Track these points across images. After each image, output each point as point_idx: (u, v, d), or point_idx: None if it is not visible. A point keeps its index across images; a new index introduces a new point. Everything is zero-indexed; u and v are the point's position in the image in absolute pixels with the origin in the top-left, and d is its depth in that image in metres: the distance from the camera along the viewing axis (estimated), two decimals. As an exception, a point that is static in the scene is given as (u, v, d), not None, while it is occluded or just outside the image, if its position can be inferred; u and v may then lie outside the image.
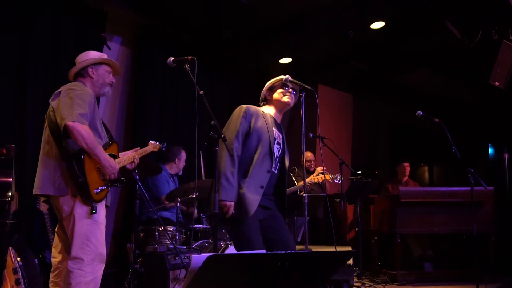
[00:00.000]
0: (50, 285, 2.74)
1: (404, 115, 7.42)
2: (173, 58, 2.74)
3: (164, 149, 3.62)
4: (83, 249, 2.58)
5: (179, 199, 4.09)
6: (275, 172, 2.87)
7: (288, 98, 2.97)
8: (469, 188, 3.90)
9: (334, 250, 3.47)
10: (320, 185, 5.50)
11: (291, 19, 5.38)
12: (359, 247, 5.21)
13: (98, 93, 2.90)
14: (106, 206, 2.81)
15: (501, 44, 5.00)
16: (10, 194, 3.29)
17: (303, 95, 3.02)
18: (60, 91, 2.67)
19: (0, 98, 4.06)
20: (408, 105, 7.04)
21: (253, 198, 2.69)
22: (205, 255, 1.45)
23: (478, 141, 8.30)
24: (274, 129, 2.89)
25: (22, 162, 3.93)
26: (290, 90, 2.98)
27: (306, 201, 2.92)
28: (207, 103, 2.60)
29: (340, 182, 5.01)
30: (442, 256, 5.72)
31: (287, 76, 3.06)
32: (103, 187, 2.66)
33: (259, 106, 3.04)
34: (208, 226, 4.39)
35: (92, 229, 2.62)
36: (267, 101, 3.03)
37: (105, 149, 2.70)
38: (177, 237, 3.98)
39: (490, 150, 8.70)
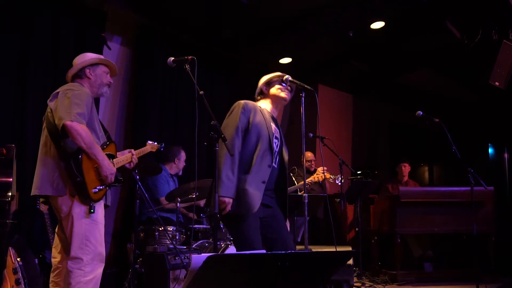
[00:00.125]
0: (50, 285, 2.75)
1: (404, 115, 7.42)
2: (173, 58, 2.74)
3: (162, 149, 3.61)
4: (82, 249, 2.59)
5: (179, 199, 4.09)
6: (275, 166, 2.88)
7: (285, 94, 2.99)
8: (469, 188, 3.90)
9: (334, 250, 3.47)
10: (320, 185, 5.51)
11: (291, 19, 5.38)
12: (359, 247, 5.21)
13: (96, 93, 2.90)
14: (107, 206, 2.82)
15: (501, 44, 5.00)
16: (10, 194, 3.29)
17: (303, 95, 3.02)
18: (58, 92, 2.68)
19: (0, 98, 4.07)
20: (408, 105, 7.04)
21: (256, 194, 2.70)
22: (205, 255, 1.45)
23: (478, 141, 8.30)
24: (272, 124, 2.90)
25: (22, 162, 3.94)
26: (288, 87, 3.00)
27: (306, 201, 2.92)
28: (207, 103, 2.60)
29: (341, 183, 5.02)
30: (442, 256, 5.72)
31: (287, 76, 3.06)
32: (101, 187, 2.67)
33: (255, 100, 3.05)
34: (208, 226, 4.40)
35: (90, 229, 2.63)
36: (264, 95, 3.04)
37: (102, 149, 2.71)
38: (177, 237, 3.98)
39: (490, 150, 8.70)
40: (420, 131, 8.08)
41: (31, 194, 2.67)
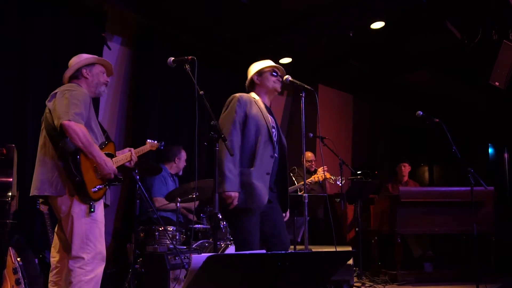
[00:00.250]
0: (49, 284, 2.75)
1: (404, 115, 7.43)
2: (173, 58, 2.75)
3: (162, 147, 3.61)
4: (83, 248, 2.60)
5: (179, 199, 4.09)
6: (276, 156, 2.89)
7: (278, 85, 3.03)
8: (469, 188, 3.90)
9: (334, 250, 3.47)
10: (321, 185, 5.50)
11: (291, 19, 5.38)
12: (359, 247, 5.21)
13: (94, 93, 2.91)
14: (107, 205, 2.82)
15: (501, 44, 5.00)
16: (10, 194, 3.29)
17: (303, 95, 3.03)
18: (56, 92, 2.69)
19: (0, 98, 4.06)
20: (408, 105, 7.04)
21: (263, 187, 2.72)
22: (205, 255, 1.45)
23: (478, 141, 8.30)
24: (268, 114, 2.92)
25: (22, 162, 3.93)
26: (280, 78, 3.02)
27: (306, 201, 2.92)
28: (207, 103, 2.60)
29: (341, 184, 5.02)
30: (442, 256, 5.72)
31: (287, 76, 3.07)
32: (101, 186, 2.67)
33: (247, 90, 3.07)
34: (208, 226, 4.40)
35: (91, 228, 2.63)
36: (255, 85, 3.05)
37: (101, 149, 2.72)
38: (177, 237, 3.98)
39: (490, 150, 8.70)
40: (420, 131, 8.08)
41: (30, 195, 2.68)
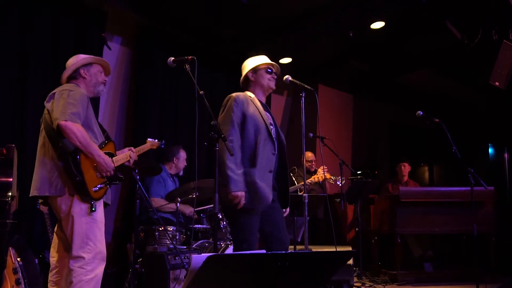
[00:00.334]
0: (48, 284, 2.76)
1: (404, 115, 7.42)
2: (173, 58, 2.75)
3: (163, 146, 3.62)
4: (83, 247, 2.60)
5: (179, 199, 4.09)
6: (276, 153, 2.91)
7: (273, 83, 3.03)
8: (469, 188, 3.90)
9: (334, 250, 3.47)
10: (320, 185, 5.50)
11: (291, 19, 5.38)
12: (359, 247, 5.21)
13: (92, 92, 2.91)
14: (107, 204, 2.83)
15: (501, 44, 5.00)
16: (10, 194, 3.29)
17: (303, 95, 3.03)
18: (54, 93, 2.70)
19: (0, 98, 4.06)
20: (408, 105, 7.04)
21: (266, 186, 2.73)
22: (205, 255, 1.45)
23: (478, 141, 8.30)
24: (265, 112, 2.93)
25: (22, 162, 3.93)
26: (275, 75, 3.02)
27: (306, 201, 2.93)
28: (207, 103, 2.60)
29: (341, 184, 5.02)
30: (442, 256, 5.72)
31: (287, 76, 3.07)
32: (102, 185, 2.68)
33: (241, 86, 3.07)
34: (208, 226, 4.39)
35: (91, 227, 2.64)
36: (250, 82, 3.04)
37: (101, 148, 2.73)
38: (177, 237, 3.98)
39: (490, 150, 8.70)
40: (420, 131, 8.08)
41: (30, 195, 2.68)
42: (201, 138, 5.31)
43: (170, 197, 4.21)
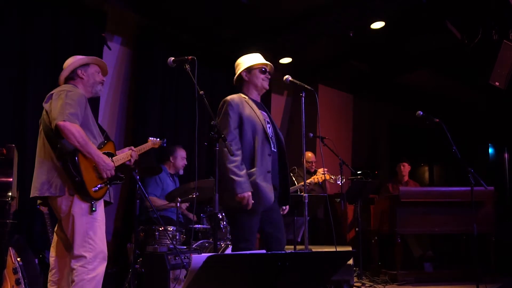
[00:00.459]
0: (48, 284, 2.76)
1: (404, 115, 7.42)
2: (173, 58, 2.75)
3: (165, 145, 3.62)
4: (84, 246, 2.61)
5: (179, 199, 4.09)
6: (275, 151, 2.92)
7: (266, 83, 3.02)
8: (469, 188, 3.90)
9: (334, 250, 3.47)
10: (320, 185, 5.50)
11: (291, 19, 5.38)
12: (359, 247, 5.21)
13: (91, 92, 2.92)
14: (110, 203, 2.84)
15: (501, 44, 5.00)
16: (10, 194, 3.29)
17: (303, 95, 3.03)
18: (52, 94, 2.71)
19: (0, 98, 4.06)
20: (408, 105, 7.04)
21: (267, 186, 2.75)
22: (205, 255, 1.45)
23: (478, 141, 8.30)
24: (260, 111, 2.94)
25: (22, 162, 3.93)
26: (268, 75, 3.02)
27: (306, 201, 2.93)
28: (207, 103, 2.60)
29: (341, 183, 5.02)
30: (442, 256, 5.72)
31: (287, 76, 3.07)
32: (102, 185, 2.68)
33: (234, 85, 3.07)
34: (208, 226, 4.39)
35: (92, 227, 2.64)
36: (244, 82, 3.03)
37: (100, 148, 2.73)
38: (177, 237, 3.98)
39: (490, 150, 8.70)
40: (420, 131, 8.08)
41: (31, 196, 2.69)
42: (201, 138, 5.32)
43: (170, 197, 4.22)
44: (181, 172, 4.85)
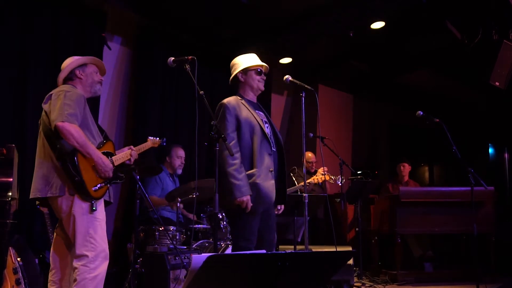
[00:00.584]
0: (48, 284, 2.76)
1: (404, 115, 7.42)
2: (173, 58, 2.75)
3: (165, 144, 3.62)
4: (86, 246, 2.62)
5: (179, 199, 4.09)
6: (274, 150, 2.94)
7: (262, 84, 3.03)
8: (469, 188, 3.90)
9: (334, 250, 3.48)
10: (320, 186, 5.50)
11: (291, 19, 5.38)
12: (359, 247, 5.21)
13: (90, 92, 2.92)
14: (110, 202, 2.84)
15: (501, 44, 5.00)
16: (10, 194, 3.29)
17: (303, 95, 3.04)
18: (51, 94, 2.72)
19: (0, 98, 4.06)
20: (408, 105, 7.04)
21: (269, 185, 2.76)
22: (205, 255, 1.45)
23: (478, 141, 8.30)
24: (257, 111, 2.95)
25: (22, 162, 3.93)
26: (264, 76, 3.04)
27: (306, 201, 2.93)
28: (207, 103, 2.60)
29: (341, 183, 5.02)
30: (442, 256, 5.72)
31: (287, 76, 3.07)
32: (101, 184, 2.69)
33: (230, 85, 3.07)
34: (208, 226, 4.39)
35: (92, 226, 2.65)
36: (240, 83, 3.04)
37: (100, 148, 2.74)
38: (177, 237, 3.98)
39: (490, 150, 8.70)
40: (420, 131, 8.08)
41: (31, 197, 2.69)
42: (201, 138, 5.31)
43: (170, 197, 4.21)
44: (179, 171, 4.80)
